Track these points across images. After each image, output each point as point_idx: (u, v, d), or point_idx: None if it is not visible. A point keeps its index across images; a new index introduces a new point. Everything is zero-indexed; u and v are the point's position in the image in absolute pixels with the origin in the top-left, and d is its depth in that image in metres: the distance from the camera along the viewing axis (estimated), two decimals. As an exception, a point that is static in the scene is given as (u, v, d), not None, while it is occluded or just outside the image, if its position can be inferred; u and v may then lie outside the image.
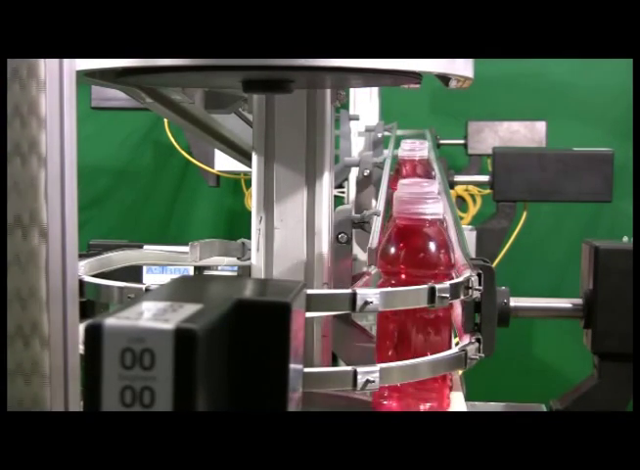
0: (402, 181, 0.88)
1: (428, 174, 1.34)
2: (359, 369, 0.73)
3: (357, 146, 2.08)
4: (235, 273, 1.45)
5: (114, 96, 2.03)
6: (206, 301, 0.53)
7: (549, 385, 2.24)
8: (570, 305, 1.48)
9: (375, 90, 2.37)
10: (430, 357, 0.80)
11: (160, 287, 0.63)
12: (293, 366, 0.56)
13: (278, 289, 0.61)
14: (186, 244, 0.94)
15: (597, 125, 2.75)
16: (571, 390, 1.50)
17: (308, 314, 0.68)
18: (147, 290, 0.76)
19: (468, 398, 0.93)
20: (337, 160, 1.49)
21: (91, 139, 2.70)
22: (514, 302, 1.42)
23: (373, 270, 0.87)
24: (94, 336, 0.48)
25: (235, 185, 2.69)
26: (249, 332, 0.54)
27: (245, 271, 1.06)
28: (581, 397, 1.46)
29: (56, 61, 0.59)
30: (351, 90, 2.15)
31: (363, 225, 0.99)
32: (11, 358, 0.58)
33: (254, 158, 0.94)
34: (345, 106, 2.12)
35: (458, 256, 0.90)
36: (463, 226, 1.40)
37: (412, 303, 0.78)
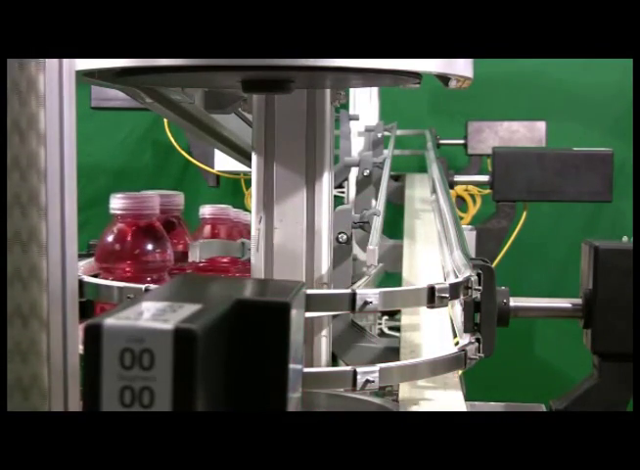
0: None
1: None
2: (359, 369, 0.73)
3: (357, 146, 2.08)
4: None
5: (115, 96, 2.03)
6: (206, 301, 0.53)
7: (549, 385, 2.24)
8: (569, 305, 1.47)
9: (375, 90, 2.38)
10: (429, 357, 0.80)
11: (159, 287, 0.63)
12: (292, 366, 0.56)
13: (278, 289, 0.61)
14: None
15: (597, 125, 2.75)
16: (571, 390, 1.50)
17: (308, 314, 0.68)
18: (146, 290, 0.76)
19: (468, 398, 0.93)
20: (337, 160, 1.49)
21: (91, 139, 2.70)
22: (514, 302, 1.41)
23: (373, 270, 0.87)
24: (93, 336, 0.48)
25: (235, 185, 2.68)
26: (248, 332, 0.54)
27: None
28: (581, 397, 1.45)
29: (56, 61, 0.59)
30: (351, 90, 2.15)
31: (363, 225, 0.99)
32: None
33: (254, 158, 0.94)
34: (345, 106, 2.12)
35: (457, 256, 0.90)
36: (463, 226, 1.40)
37: (412, 302, 0.78)
